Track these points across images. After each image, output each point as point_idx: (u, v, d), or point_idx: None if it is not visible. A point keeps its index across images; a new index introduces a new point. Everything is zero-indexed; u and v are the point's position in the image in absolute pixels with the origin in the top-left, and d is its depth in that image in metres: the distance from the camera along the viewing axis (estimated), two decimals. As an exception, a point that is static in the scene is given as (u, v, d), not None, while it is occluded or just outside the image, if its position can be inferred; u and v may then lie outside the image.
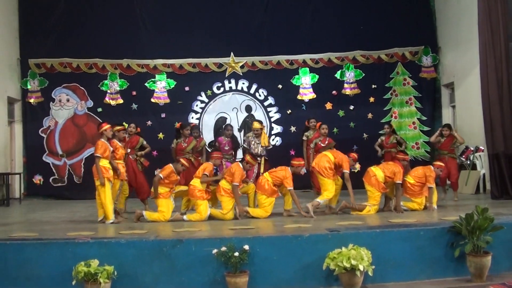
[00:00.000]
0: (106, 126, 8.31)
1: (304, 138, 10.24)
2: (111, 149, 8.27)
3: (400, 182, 8.22)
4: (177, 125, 10.31)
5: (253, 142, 9.91)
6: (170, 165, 8.18)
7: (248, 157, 8.40)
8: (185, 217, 8.11)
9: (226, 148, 10.25)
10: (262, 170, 9.68)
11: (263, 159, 9.87)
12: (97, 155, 8.00)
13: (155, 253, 6.03)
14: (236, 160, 10.51)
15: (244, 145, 10.33)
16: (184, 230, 7.03)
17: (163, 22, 13.98)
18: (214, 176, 8.35)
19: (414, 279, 6.18)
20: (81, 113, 13.84)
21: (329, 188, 8.13)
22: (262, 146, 9.88)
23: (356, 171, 9.06)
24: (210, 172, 8.14)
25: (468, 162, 11.47)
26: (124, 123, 9.83)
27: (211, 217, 8.11)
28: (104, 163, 8.03)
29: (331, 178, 8.17)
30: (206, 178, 8.08)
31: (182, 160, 8.30)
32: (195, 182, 8.08)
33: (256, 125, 10.00)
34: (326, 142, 9.85)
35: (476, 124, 11.08)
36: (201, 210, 7.98)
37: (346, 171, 8.18)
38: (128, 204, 9.41)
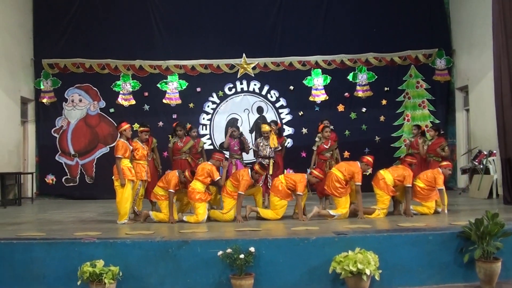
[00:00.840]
0: (126, 126, 8.29)
1: (317, 139, 10.13)
2: (131, 148, 8.28)
3: (410, 185, 8.11)
4: (174, 124, 10.32)
5: (261, 144, 9.84)
6: (176, 174, 8.15)
7: (257, 167, 8.32)
8: (184, 218, 8.12)
9: (235, 148, 10.23)
10: (270, 172, 9.61)
11: (271, 160, 9.79)
12: (118, 156, 7.98)
13: (160, 254, 6.02)
14: (244, 161, 10.49)
15: (253, 146, 10.27)
16: (190, 231, 7.01)
17: (175, 23, 14.03)
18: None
19: (422, 285, 6.08)
20: (93, 114, 13.92)
21: (343, 205, 8.06)
22: (270, 148, 9.81)
23: (367, 173, 8.93)
24: (213, 174, 8.06)
25: (481, 166, 11.31)
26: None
27: (211, 219, 8.11)
28: (125, 163, 8.04)
29: (344, 195, 8.09)
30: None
31: (187, 173, 8.23)
32: (195, 184, 8.05)
33: (264, 128, 9.94)
34: (329, 144, 9.72)
35: (490, 128, 10.93)
36: (199, 213, 7.94)
37: (358, 183, 8.03)
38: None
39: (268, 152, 9.77)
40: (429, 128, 10.45)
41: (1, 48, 12.16)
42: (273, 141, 9.88)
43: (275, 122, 10.76)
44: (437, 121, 13.84)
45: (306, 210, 8.25)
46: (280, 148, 10.11)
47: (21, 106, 13.26)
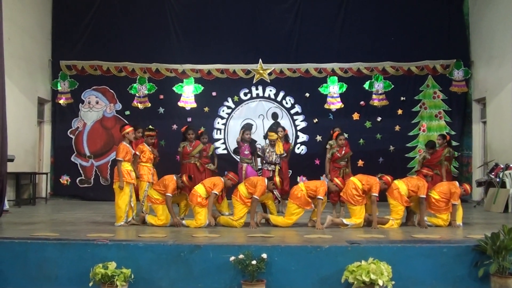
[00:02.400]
0: (129, 129, 8.45)
1: (328, 146, 10.12)
2: (133, 151, 8.36)
3: (424, 196, 8.02)
4: (183, 128, 10.36)
5: (267, 150, 9.88)
6: (174, 179, 8.18)
7: (277, 179, 8.37)
8: (184, 222, 8.11)
9: (246, 152, 10.22)
10: (277, 179, 9.58)
11: (277, 167, 9.81)
12: (119, 158, 8.16)
13: (172, 257, 6.02)
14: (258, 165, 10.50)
15: (259, 152, 10.22)
16: (203, 236, 7.00)
17: (193, 27, 14.07)
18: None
19: (435, 297, 6.02)
20: (109, 116, 14.00)
21: (358, 215, 8.01)
22: (276, 154, 9.84)
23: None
24: (216, 187, 8.06)
25: (498, 180, 11.17)
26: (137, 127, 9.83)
27: (219, 224, 8.10)
28: (126, 166, 8.16)
29: (360, 204, 8.04)
30: (213, 199, 8.03)
31: (184, 177, 8.26)
32: (199, 188, 8.06)
33: (272, 136, 9.99)
34: (343, 152, 9.69)
35: (507, 141, 10.83)
36: (199, 218, 7.93)
37: (375, 194, 7.97)
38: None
39: (274, 159, 9.81)
40: (438, 137, 10.35)
41: (20, 49, 12.28)
42: (279, 147, 9.93)
43: (282, 127, 10.74)
44: (453, 133, 13.70)
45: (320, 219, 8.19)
46: (285, 154, 10.13)
47: (38, 106, 13.37)
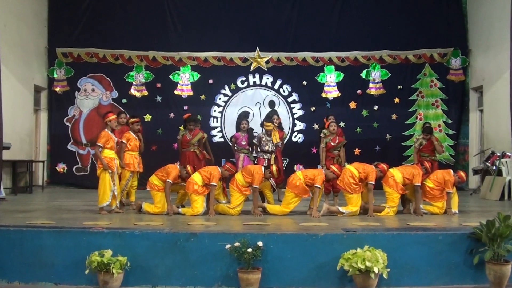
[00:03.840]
0: (112, 117, 8.37)
1: (322, 135, 10.08)
2: (115, 139, 8.35)
3: (419, 184, 8.04)
4: (185, 116, 10.31)
5: (263, 139, 9.93)
6: (178, 168, 8.19)
7: (273, 167, 8.39)
8: (180, 210, 8.12)
9: (243, 143, 10.24)
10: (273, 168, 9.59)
11: (273, 156, 9.86)
12: (99, 144, 8.11)
13: (168, 245, 6.02)
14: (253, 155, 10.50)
15: (254, 141, 10.24)
16: (198, 224, 7.02)
17: (190, 15, 14.01)
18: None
19: (430, 285, 6.03)
20: (106, 104, 13.94)
21: (355, 203, 8.02)
22: (272, 143, 9.88)
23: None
24: (212, 179, 8.02)
25: (494, 168, 11.20)
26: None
27: (216, 212, 8.10)
28: (107, 153, 8.12)
29: (357, 192, 8.05)
30: (214, 191, 8.01)
31: (189, 167, 8.24)
32: (196, 176, 8.04)
33: (268, 126, 10.04)
34: (337, 141, 9.64)
35: (504, 129, 10.82)
36: (195, 206, 7.94)
37: (371, 182, 7.98)
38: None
39: (270, 147, 9.85)
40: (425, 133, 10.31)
41: (16, 36, 12.20)
42: (275, 137, 9.97)
43: (277, 115, 10.74)
44: (450, 121, 13.76)
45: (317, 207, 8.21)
46: (280, 143, 10.16)
47: (34, 94, 13.31)
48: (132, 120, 9.08)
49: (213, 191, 7.99)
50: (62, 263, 5.99)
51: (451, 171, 8.44)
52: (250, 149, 10.46)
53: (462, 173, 8.40)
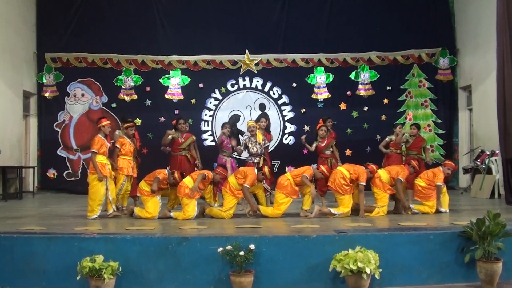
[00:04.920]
0: (105, 122, 8.41)
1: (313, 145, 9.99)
2: (108, 145, 8.35)
3: (401, 179, 8.17)
4: (174, 122, 10.20)
5: (250, 142, 9.63)
6: (165, 172, 8.20)
7: (266, 169, 8.40)
8: (172, 214, 8.09)
9: (229, 146, 10.01)
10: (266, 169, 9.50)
11: (261, 158, 9.64)
12: (93, 150, 8.13)
13: (160, 250, 6.01)
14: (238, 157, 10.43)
15: (241, 148, 9.84)
16: (190, 227, 7.00)
17: (179, 18, 14.00)
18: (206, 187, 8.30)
19: (422, 284, 6.07)
20: (96, 108, 13.90)
21: (346, 204, 8.07)
22: (259, 144, 9.62)
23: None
24: (206, 182, 8.08)
25: (483, 166, 11.28)
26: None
27: (206, 216, 8.11)
28: (100, 159, 8.11)
29: (348, 193, 8.09)
30: (196, 188, 7.98)
31: (176, 174, 8.23)
32: (187, 181, 8.05)
33: (250, 122, 9.82)
34: (325, 142, 9.65)
35: (493, 128, 10.89)
36: (187, 210, 7.93)
37: (363, 183, 8.02)
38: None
39: (257, 149, 9.59)
40: (412, 126, 10.42)
41: (4, 41, 12.14)
42: (258, 136, 9.71)
43: (264, 118, 10.50)
44: (439, 121, 13.84)
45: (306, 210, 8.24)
46: (268, 144, 10.03)
47: (23, 100, 13.24)
48: (126, 124, 9.01)
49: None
50: (54, 269, 5.95)
51: (440, 167, 8.52)
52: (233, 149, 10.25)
53: (448, 162, 8.57)
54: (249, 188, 8.12)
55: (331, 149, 9.72)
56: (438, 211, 8.28)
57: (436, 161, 13.37)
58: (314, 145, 9.79)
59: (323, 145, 9.64)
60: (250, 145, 9.60)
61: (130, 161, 8.72)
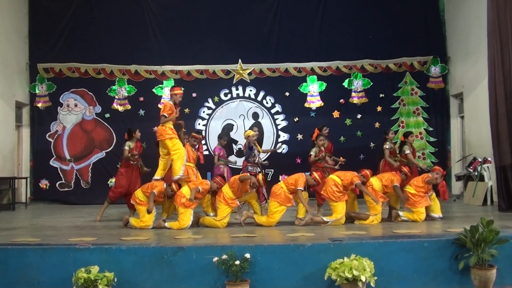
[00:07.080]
0: (178, 91, 9.00)
1: (312, 153, 9.89)
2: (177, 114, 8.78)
3: (397, 184, 8.29)
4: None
5: (255, 151, 9.68)
6: (163, 184, 8.22)
7: (260, 176, 8.45)
8: (166, 224, 8.08)
9: (226, 155, 10.07)
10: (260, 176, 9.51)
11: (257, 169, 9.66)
12: (164, 114, 8.70)
13: (155, 260, 5.99)
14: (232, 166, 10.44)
15: (250, 159, 9.77)
16: (185, 237, 7.00)
17: (171, 28, 14.05)
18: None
19: (417, 291, 6.10)
20: (89, 119, 13.88)
21: (339, 211, 8.11)
22: (259, 152, 9.70)
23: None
24: (204, 190, 8.11)
25: (476, 173, 11.34)
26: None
27: (200, 225, 8.13)
28: (169, 124, 8.67)
29: (341, 200, 8.14)
30: (195, 194, 8.00)
31: (173, 185, 8.24)
32: (185, 191, 8.05)
33: (249, 132, 9.84)
34: (322, 153, 9.63)
35: (485, 135, 10.97)
36: (182, 218, 7.93)
37: (358, 181, 8.13)
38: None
39: (259, 159, 9.63)
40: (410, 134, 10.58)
41: (-4, 52, 12.13)
42: (257, 146, 9.82)
43: (259, 127, 10.53)
44: (431, 129, 13.93)
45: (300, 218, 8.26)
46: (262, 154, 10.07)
47: (15, 110, 13.20)
48: (194, 134, 9.58)
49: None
50: (49, 281, 5.93)
51: (429, 174, 8.58)
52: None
53: (436, 167, 8.74)
54: (241, 199, 8.19)
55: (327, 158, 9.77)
56: (430, 218, 8.34)
57: (428, 169, 13.41)
58: (313, 154, 9.64)
59: (316, 158, 9.52)
60: (256, 154, 9.64)
61: (193, 168, 8.92)
